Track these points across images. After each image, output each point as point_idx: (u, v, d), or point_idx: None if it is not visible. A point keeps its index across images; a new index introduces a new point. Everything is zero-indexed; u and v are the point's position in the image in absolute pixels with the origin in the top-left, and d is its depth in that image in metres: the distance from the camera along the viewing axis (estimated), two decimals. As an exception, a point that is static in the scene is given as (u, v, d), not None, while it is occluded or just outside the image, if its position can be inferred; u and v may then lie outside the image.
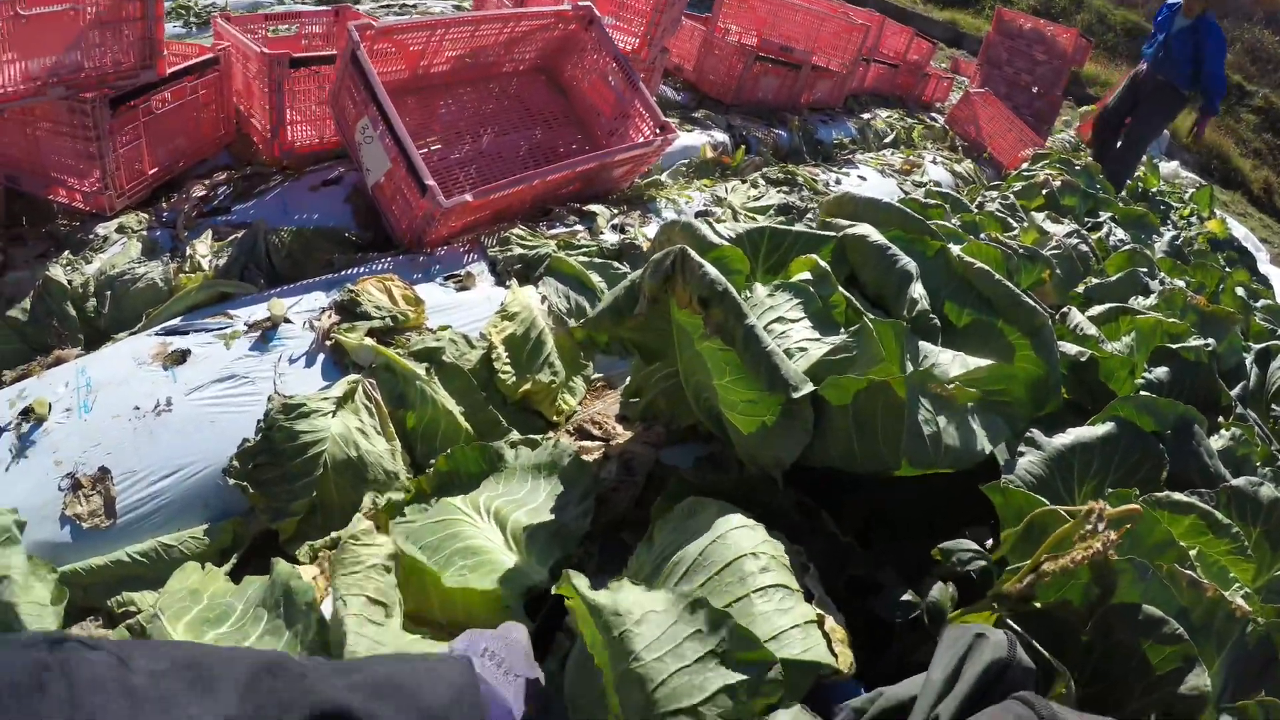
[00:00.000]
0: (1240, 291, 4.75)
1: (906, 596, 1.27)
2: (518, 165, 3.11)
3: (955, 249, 2.14)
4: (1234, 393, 2.62)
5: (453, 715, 0.92)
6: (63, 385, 1.93)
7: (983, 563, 1.30)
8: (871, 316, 1.48)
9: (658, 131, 3.11)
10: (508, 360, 2.00)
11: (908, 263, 1.85)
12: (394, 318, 2.07)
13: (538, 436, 1.77)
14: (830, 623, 1.13)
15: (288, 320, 2.12)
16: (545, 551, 1.40)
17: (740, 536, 1.17)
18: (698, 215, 3.18)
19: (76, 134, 2.76)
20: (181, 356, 1.99)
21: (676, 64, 5.67)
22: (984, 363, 1.63)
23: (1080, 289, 3.21)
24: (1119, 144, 7.49)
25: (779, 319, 1.42)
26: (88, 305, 2.46)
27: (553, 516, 1.48)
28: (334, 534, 1.69)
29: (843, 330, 1.41)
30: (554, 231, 2.72)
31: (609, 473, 1.73)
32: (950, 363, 1.63)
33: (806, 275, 1.52)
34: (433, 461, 1.73)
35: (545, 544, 1.41)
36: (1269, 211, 18.10)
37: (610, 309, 1.45)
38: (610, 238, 2.75)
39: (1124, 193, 7.34)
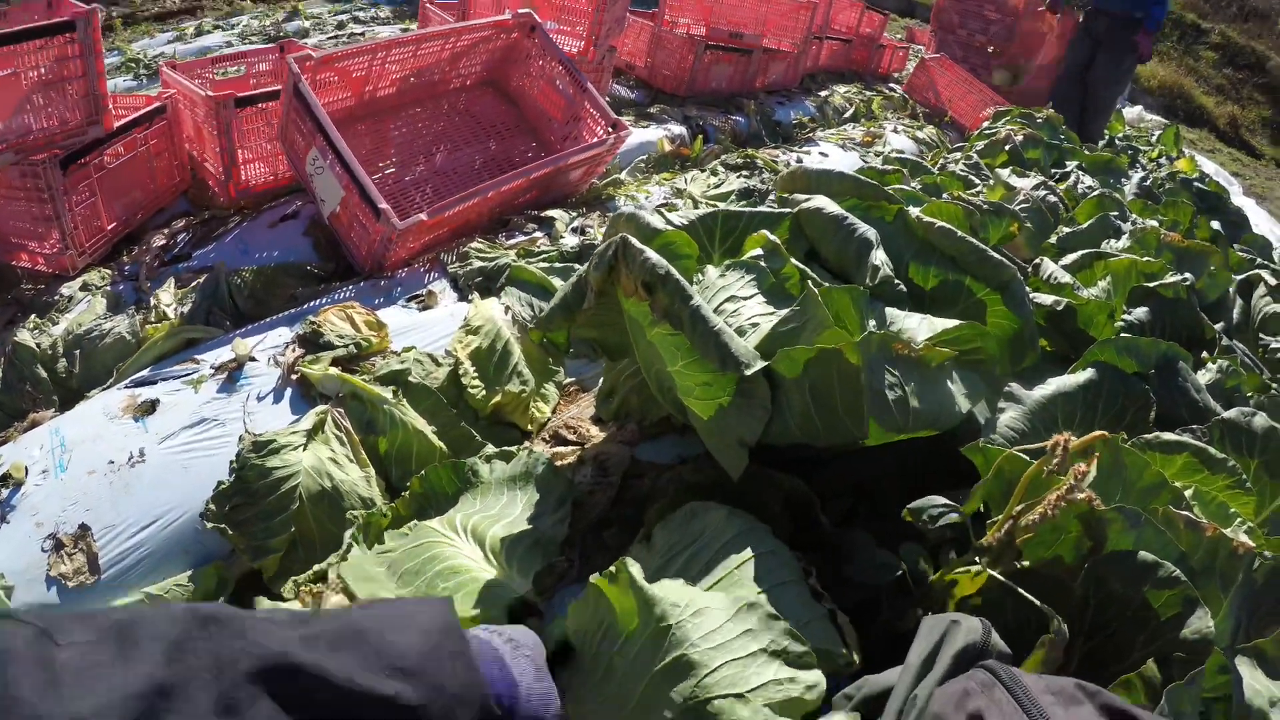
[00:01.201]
0: (1216, 224, 4.70)
1: (885, 560, 1.25)
2: (473, 180, 3.09)
3: (914, 211, 2.13)
4: (1219, 326, 2.61)
5: (429, 667, 0.80)
6: (38, 448, 1.92)
7: (954, 516, 1.27)
8: (825, 284, 1.47)
9: (610, 130, 3.10)
10: (475, 375, 1.98)
11: (866, 230, 1.83)
12: (357, 344, 2.05)
13: (512, 448, 1.76)
14: (841, 617, 1.13)
15: (253, 359, 2.11)
16: (526, 562, 1.39)
17: (746, 540, 1.17)
18: (657, 209, 3.17)
19: (31, 197, 2.76)
20: (151, 406, 1.98)
21: (628, 62, 5.67)
22: (952, 323, 1.61)
23: (1053, 239, 3.20)
24: (1084, 109, 7.43)
25: (731, 298, 1.41)
26: (58, 366, 2.46)
27: (530, 526, 1.47)
28: (317, 567, 1.68)
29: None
30: (513, 241, 2.70)
31: (584, 476, 1.71)
32: (918, 326, 1.61)
33: (758, 251, 1.51)
34: (409, 484, 1.72)
35: (525, 555, 1.40)
36: (1237, 145, 18.20)
37: (560, 306, 1.44)
38: (570, 240, 2.73)
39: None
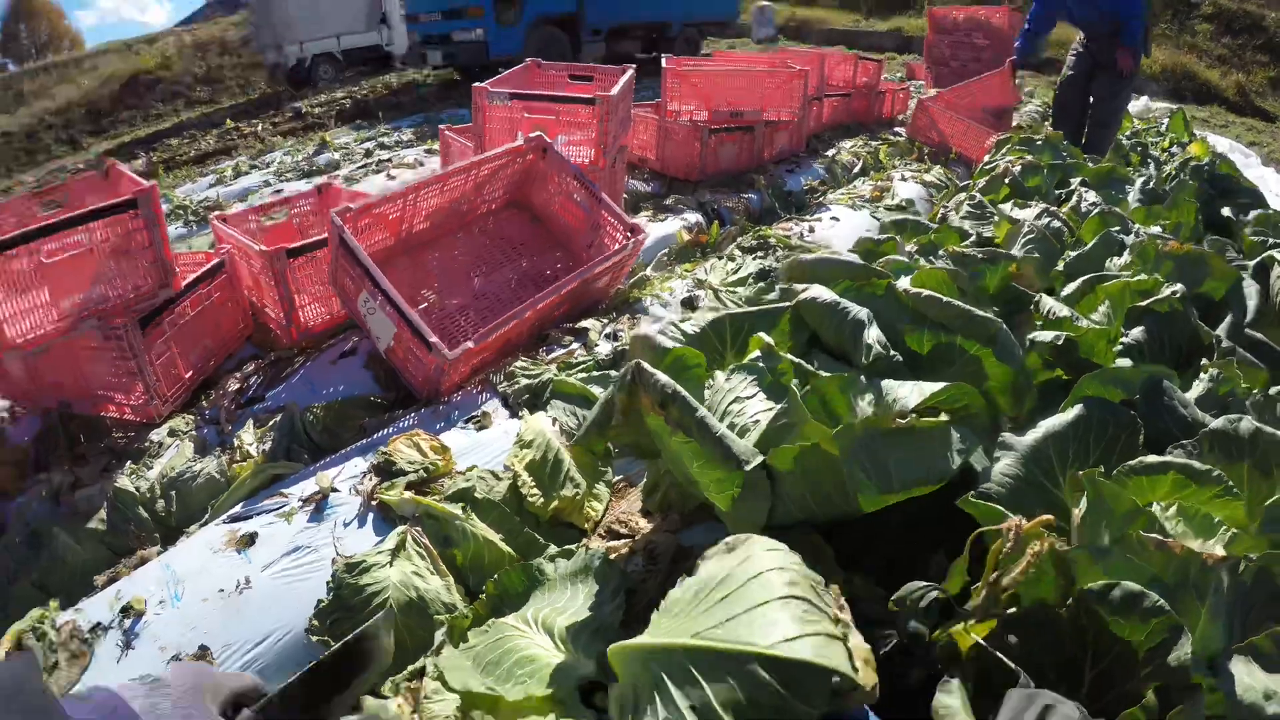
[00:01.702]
0: (1227, 211, 4.69)
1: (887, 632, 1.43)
2: (511, 298, 3.37)
3: (903, 281, 2.35)
4: (1222, 327, 2.67)
5: None
6: (152, 582, 2.15)
7: (936, 593, 1.41)
8: (819, 373, 1.71)
9: (629, 235, 3.36)
10: (533, 484, 2.23)
11: (858, 312, 2.06)
12: (426, 469, 2.31)
13: (572, 546, 2.00)
14: (855, 640, 1.17)
15: (335, 489, 2.35)
16: (590, 646, 1.61)
17: (768, 557, 1.26)
18: (682, 302, 3.41)
19: (115, 356, 3.08)
20: (250, 539, 2.23)
21: (641, 156, 5.97)
22: (939, 386, 1.81)
23: (1060, 265, 3.27)
24: (1088, 130, 7.35)
25: (736, 399, 1.65)
26: (158, 506, 2.75)
27: (591, 614, 1.70)
28: (411, 666, 1.91)
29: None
30: (553, 355, 2.96)
31: (636, 565, 1.94)
32: (910, 393, 1.82)
33: (757, 353, 1.75)
34: (484, 588, 1.96)
35: (589, 640, 1.63)
36: (1250, 113, 18.06)
37: (594, 424, 1.69)
38: (604, 348, 2.98)
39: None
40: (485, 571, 2.10)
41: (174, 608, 2.07)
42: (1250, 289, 3.21)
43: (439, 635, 1.89)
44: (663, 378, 1.49)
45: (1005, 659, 1.23)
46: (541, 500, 2.21)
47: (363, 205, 3.09)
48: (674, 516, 2.07)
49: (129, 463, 2.92)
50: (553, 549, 2.09)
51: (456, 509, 2.15)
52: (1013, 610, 1.34)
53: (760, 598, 1.17)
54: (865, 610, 1.44)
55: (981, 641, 1.29)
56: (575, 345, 3.01)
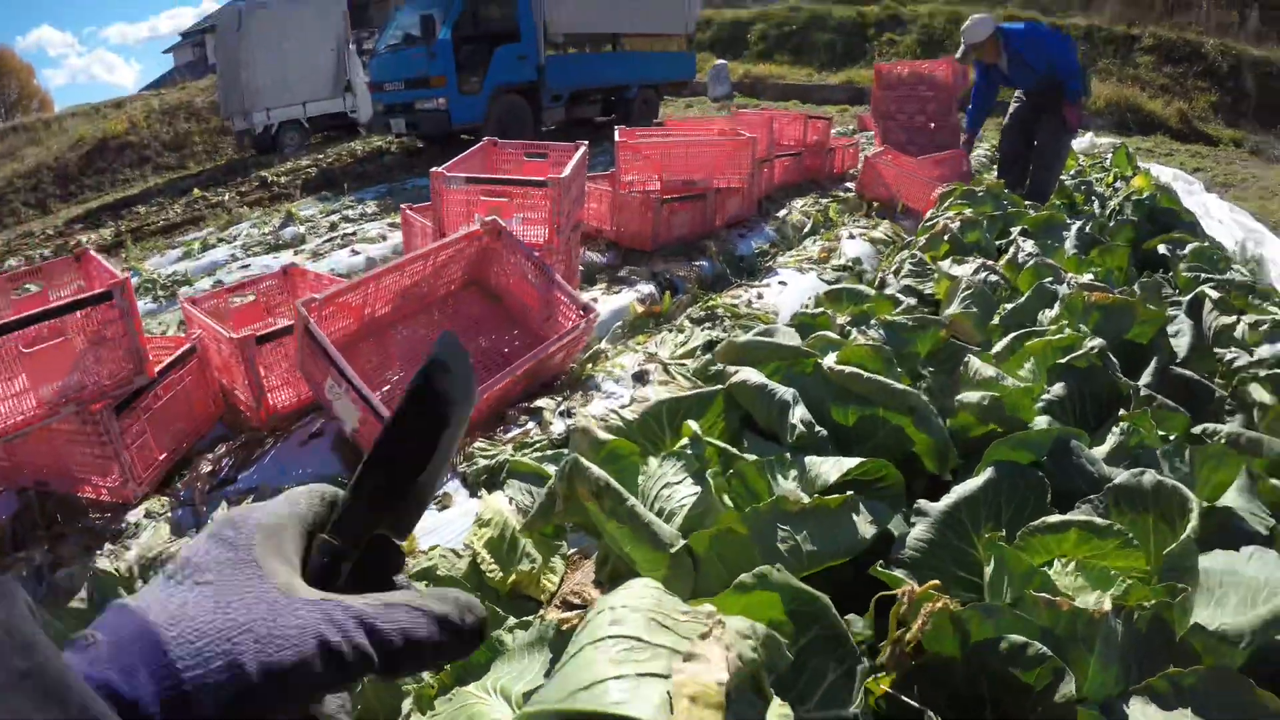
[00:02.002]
0: (1164, 249, 4.82)
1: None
2: (470, 377, 3.54)
3: (829, 359, 2.52)
4: (1148, 371, 2.80)
5: None
6: None
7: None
8: (742, 457, 1.90)
9: (581, 314, 3.56)
10: (491, 561, 2.39)
11: (784, 393, 2.24)
12: (392, 549, 2.48)
13: (530, 618, 2.15)
14: (686, 678, 1.00)
15: (306, 571, 2.51)
16: (543, 712, 1.79)
17: (616, 596, 1.24)
18: (634, 377, 3.59)
19: (92, 440, 3.21)
20: None
21: (597, 227, 6.16)
22: (855, 462, 1.98)
23: (996, 319, 3.38)
24: (1031, 173, 7.64)
25: (666, 484, 1.83)
26: (137, 587, 2.86)
27: (545, 680, 1.87)
28: (384, 738, 2.07)
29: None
30: (510, 435, 3.13)
31: (587, 633, 2.11)
32: (830, 469, 1.99)
33: (685, 441, 1.93)
34: (449, 661, 2.12)
35: (542, 705, 1.80)
36: (1193, 139, 18.52)
37: (540, 511, 1.87)
38: (559, 426, 3.15)
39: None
40: (449, 644, 2.26)
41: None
42: (1184, 325, 3.34)
43: (406, 704, 2.04)
44: (596, 471, 1.67)
45: (910, 701, 1.36)
46: (500, 575, 2.37)
47: (326, 295, 3.26)
48: (622, 587, 2.24)
49: (107, 544, 3.03)
50: (511, 620, 2.25)
51: (421, 585, 2.31)
52: (915, 663, 1.45)
53: (584, 642, 1.12)
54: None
55: (889, 690, 1.41)
56: (531, 425, 3.19)
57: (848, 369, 2.38)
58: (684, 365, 3.64)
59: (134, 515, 3.18)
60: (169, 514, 3.18)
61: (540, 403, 3.33)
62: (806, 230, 7.18)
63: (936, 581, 1.50)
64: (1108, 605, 1.43)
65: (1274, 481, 2.11)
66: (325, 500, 0.72)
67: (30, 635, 0.46)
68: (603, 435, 1.95)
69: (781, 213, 7.57)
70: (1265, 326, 3.27)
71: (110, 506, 3.32)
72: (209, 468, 3.51)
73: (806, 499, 1.73)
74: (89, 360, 3.17)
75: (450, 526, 2.62)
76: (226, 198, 13.78)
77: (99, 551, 3.00)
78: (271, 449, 3.49)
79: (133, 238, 11.46)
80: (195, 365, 3.72)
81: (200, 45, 37.68)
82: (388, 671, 0.62)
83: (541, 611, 2.36)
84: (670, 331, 4.19)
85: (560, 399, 3.41)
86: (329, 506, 0.72)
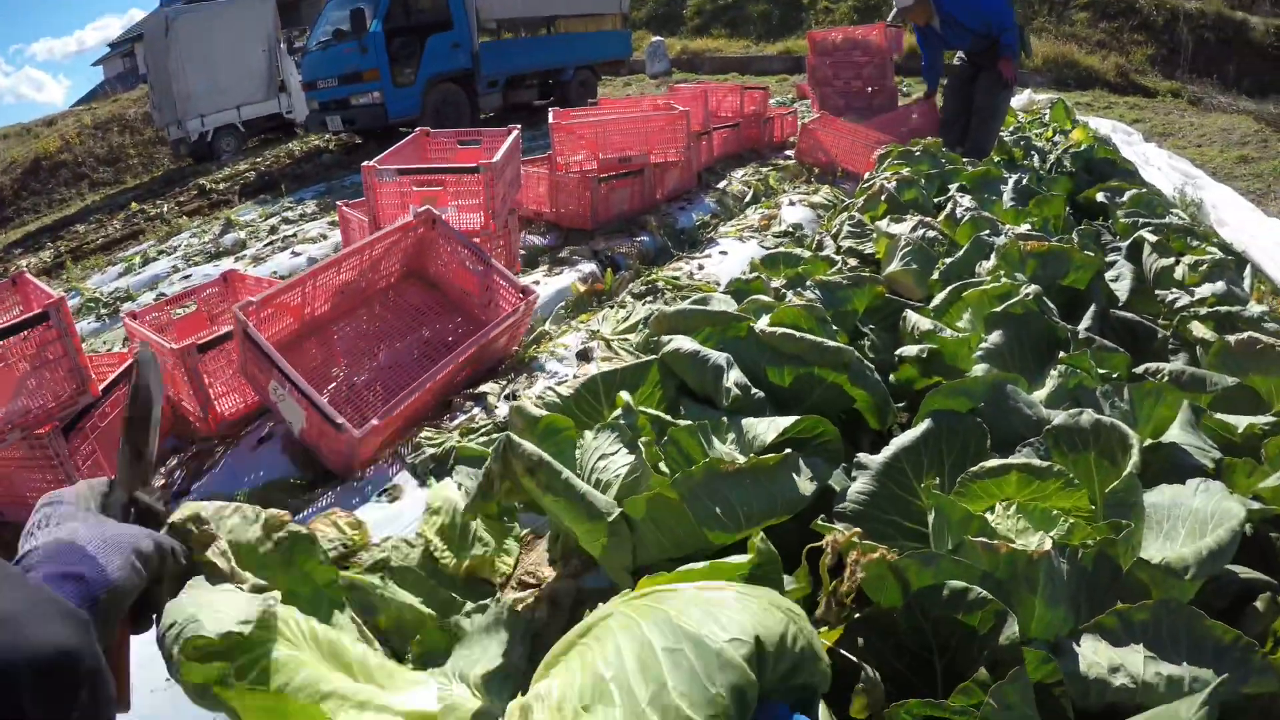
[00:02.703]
0: (1101, 197, 4.88)
1: None
2: (416, 368, 3.53)
3: (762, 322, 2.53)
4: (1088, 315, 2.85)
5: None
6: None
7: None
8: (676, 423, 1.93)
9: (521, 297, 3.56)
10: (444, 548, 2.40)
11: (717, 358, 2.25)
12: (345, 545, 2.47)
13: (487, 601, 2.17)
14: None
15: (263, 575, 2.51)
16: (501, 691, 1.79)
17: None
18: (578, 355, 3.60)
19: (42, 465, 3.19)
20: None
21: (535, 210, 6.16)
22: (790, 420, 2.00)
23: (936, 273, 3.41)
24: (971, 130, 7.67)
25: (602, 455, 1.85)
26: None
27: (503, 661, 1.88)
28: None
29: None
30: (456, 422, 3.11)
31: (542, 612, 2.12)
32: (766, 429, 2.01)
33: (619, 411, 1.95)
34: (409, 648, 2.13)
35: (500, 685, 1.80)
36: (1131, 92, 18.84)
37: (480, 492, 1.88)
38: (503, 409, 3.15)
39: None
40: (408, 633, 2.26)
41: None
42: (1124, 269, 3.44)
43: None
44: (529, 447, 1.69)
45: (851, 656, 1.35)
46: (454, 561, 2.38)
47: (263, 297, 3.24)
48: (575, 563, 2.25)
49: (67, 567, 3.03)
50: (469, 605, 2.26)
51: (375, 579, 2.32)
52: (858, 615, 1.46)
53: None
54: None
55: (831, 645, 1.41)
56: (476, 410, 3.19)
57: (780, 330, 2.40)
58: (627, 340, 3.66)
59: (91, 536, 3.15)
60: (125, 531, 3.15)
61: (485, 388, 3.33)
62: (747, 200, 7.21)
63: (859, 530, 1.53)
64: (1048, 545, 1.46)
65: (1219, 415, 2.15)
66: (98, 484, 1.18)
67: None
68: (537, 411, 1.96)
69: (721, 184, 7.60)
70: (1205, 266, 3.32)
71: (66, 530, 3.29)
72: (162, 481, 3.49)
73: (741, 459, 1.76)
74: (32, 384, 3.14)
75: (402, 518, 2.62)
76: (165, 209, 13.60)
77: (60, 576, 2.97)
78: (223, 457, 3.47)
79: (73, 257, 11.34)
80: (139, 379, 3.68)
81: (130, 55, 36.97)
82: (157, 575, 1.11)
83: (499, 594, 2.38)
84: (613, 308, 4.20)
85: (505, 383, 3.41)
86: (107, 484, 1.18)
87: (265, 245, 8.19)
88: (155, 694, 2.20)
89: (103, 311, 7.22)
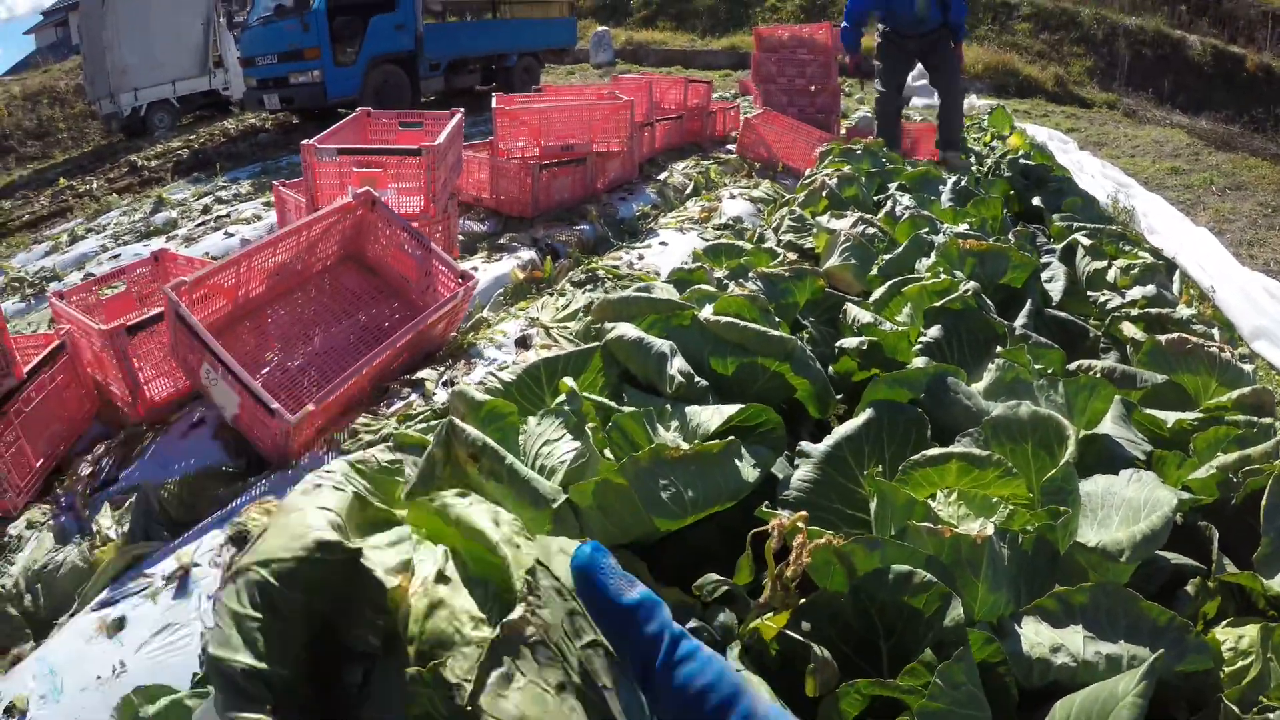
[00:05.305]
0: (1037, 200, 5.05)
1: (692, 624, 1.59)
2: (352, 353, 3.48)
3: (706, 310, 2.53)
4: (1024, 313, 2.89)
5: None
6: (30, 678, 2.18)
7: (726, 587, 1.58)
8: (620, 409, 1.92)
9: (460, 282, 3.52)
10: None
11: (661, 345, 2.23)
12: (278, 533, 2.44)
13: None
14: None
15: (196, 564, 2.42)
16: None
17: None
18: (516, 342, 3.57)
19: (-37, 452, 3.06)
20: (120, 624, 2.28)
21: (476, 196, 6.10)
22: (735, 409, 1.98)
23: (875, 269, 3.45)
24: (940, 124, 7.74)
25: (546, 442, 1.82)
26: (25, 602, 2.75)
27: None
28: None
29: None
30: (393, 409, 3.07)
31: (485, 597, 2.11)
32: (710, 417, 2.00)
33: (562, 397, 1.93)
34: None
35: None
36: (1069, 101, 19.39)
37: (420, 478, 1.82)
38: (441, 396, 3.11)
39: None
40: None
41: (56, 702, 2.11)
42: (1058, 271, 3.54)
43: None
44: (473, 432, 1.66)
45: (799, 637, 1.37)
46: (394, 554, 2.36)
47: (196, 278, 3.16)
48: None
49: (-11, 560, 2.93)
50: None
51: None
52: (804, 600, 1.47)
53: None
54: (681, 615, 1.57)
55: (784, 630, 1.42)
56: (414, 396, 3.15)
57: (724, 319, 2.40)
58: (567, 328, 3.64)
59: (15, 528, 3.05)
60: (51, 521, 3.06)
61: (422, 374, 3.29)
62: (688, 192, 7.23)
63: (805, 514, 1.53)
64: (990, 530, 1.48)
65: (1149, 410, 2.21)
66: None
67: None
68: (480, 397, 1.93)
69: (663, 175, 7.60)
70: (1136, 270, 3.43)
71: (-10, 521, 3.19)
72: (89, 469, 3.39)
73: (686, 446, 1.75)
74: (-47, 371, 3.04)
75: (337, 505, 2.58)
76: (95, 186, 13.20)
77: (-20, 570, 2.89)
78: (152, 443, 3.37)
79: (-4, 237, 10.98)
80: (66, 362, 3.57)
81: (64, 25, 35.73)
82: None
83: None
84: (552, 296, 4.18)
85: (443, 369, 3.37)
86: None
87: (198, 225, 8.00)
88: (86, 692, 2.16)
89: (28, 291, 7.01)
